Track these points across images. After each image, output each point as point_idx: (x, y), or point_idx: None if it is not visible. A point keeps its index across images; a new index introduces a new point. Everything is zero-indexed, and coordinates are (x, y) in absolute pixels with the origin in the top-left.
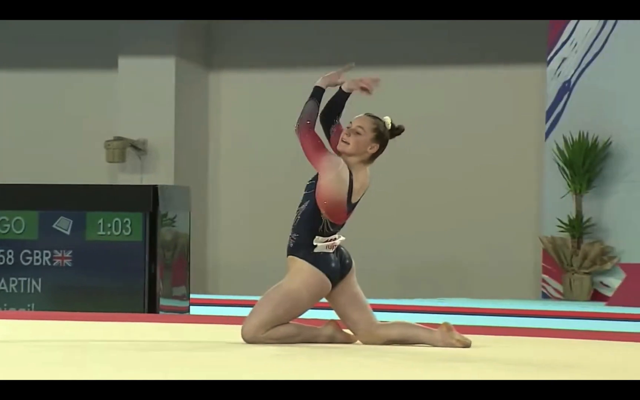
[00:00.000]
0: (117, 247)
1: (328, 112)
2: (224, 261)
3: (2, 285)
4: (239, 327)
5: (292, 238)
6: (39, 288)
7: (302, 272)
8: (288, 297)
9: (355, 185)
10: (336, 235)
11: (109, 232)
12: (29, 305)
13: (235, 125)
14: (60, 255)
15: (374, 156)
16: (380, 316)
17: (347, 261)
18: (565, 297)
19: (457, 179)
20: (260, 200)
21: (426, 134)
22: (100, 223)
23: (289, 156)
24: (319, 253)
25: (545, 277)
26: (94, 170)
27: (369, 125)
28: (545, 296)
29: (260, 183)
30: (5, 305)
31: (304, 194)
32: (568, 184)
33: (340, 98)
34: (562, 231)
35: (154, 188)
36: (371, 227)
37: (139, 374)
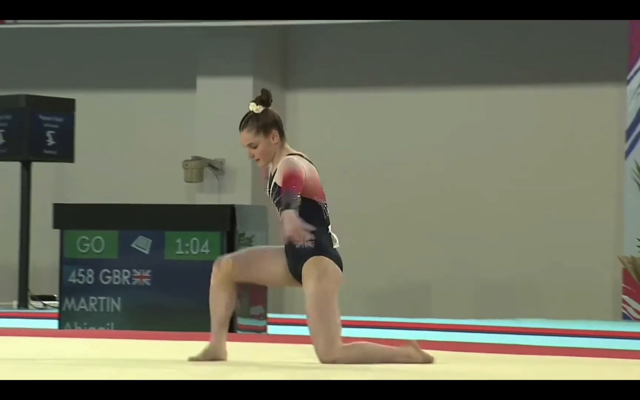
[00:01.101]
0: (195, 267)
1: None
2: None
3: (82, 305)
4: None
5: (306, 241)
6: (118, 307)
7: (327, 269)
8: (324, 298)
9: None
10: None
11: (187, 252)
12: (108, 324)
13: (312, 144)
14: (139, 274)
15: (281, 137)
16: (458, 336)
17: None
18: None
19: (535, 200)
20: (335, 218)
21: (505, 156)
22: (178, 242)
23: (364, 174)
24: (334, 247)
25: (626, 297)
26: (173, 190)
27: (252, 134)
28: (627, 317)
29: (336, 201)
30: (85, 324)
31: (280, 209)
32: None
33: None
34: None
35: (232, 208)
36: (449, 245)
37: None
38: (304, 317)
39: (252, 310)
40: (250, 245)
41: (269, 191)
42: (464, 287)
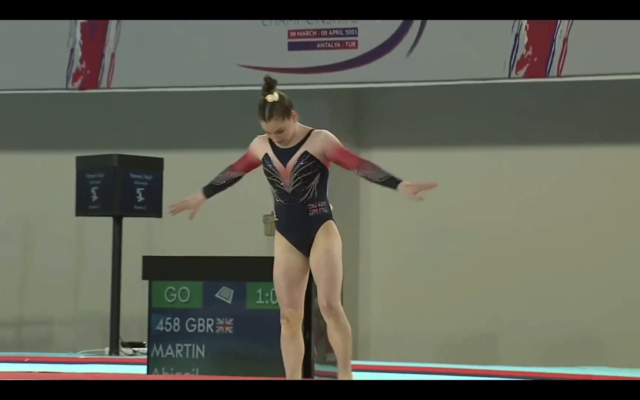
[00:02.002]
0: (274, 316)
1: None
2: (374, 328)
3: (169, 351)
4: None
5: (317, 207)
6: (202, 354)
7: (336, 234)
8: (339, 260)
9: None
10: None
11: (267, 301)
12: (193, 370)
13: (385, 198)
14: (222, 322)
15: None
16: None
17: None
18: None
19: (596, 255)
20: (410, 268)
21: (570, 213)
22: (259, 292)
23: (438, 226)
24: None
25: None
26: (254, 243)
27: (280, 120)
28: None
29: (410, 251)
30: (172, 369)
31: (304, 177)
32: None
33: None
34: None
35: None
36: (515, 295)
37: None
38: (376, 363)
39: (328, 357)
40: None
41: (295, 163)
42: (528, 335)
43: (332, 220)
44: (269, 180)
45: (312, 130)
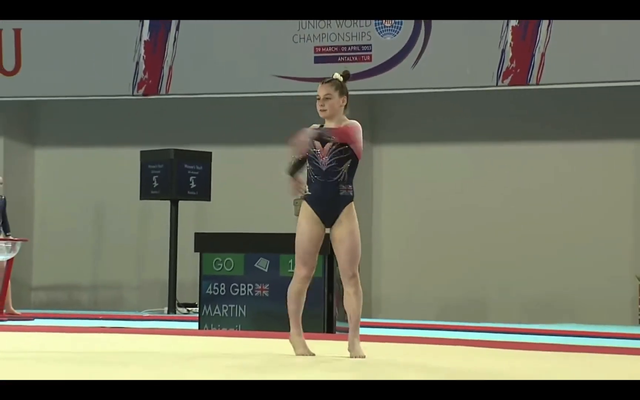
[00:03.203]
0: None
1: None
2: (384, 292)
3: (217, 311)
4: (398, 344)
5: (346, 188)
6: (244, 313)
7: (356, 215)
8: (359, 238)
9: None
10: None
11: None
12: (236, 326)
13: (394, 184)
14: (260, 287)
15: (345, 108)
16: (508, 337)
17: None
18: None
19: (571, 230)
20: (415, 243)
21: (544, 198)
22: (290, 263)
23: (438, 209)
24: None
25: None
26: (286, 222)
27: (332, 89)
28: None
29: (415, 229)
30: (219, 325)
31: (337, 160)
32: None
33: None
34: None
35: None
36: (502, 267)
37: (316, 375)
38: (388, 320)
39: (346, 316)
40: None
41: (330, 146)
42: (513, 298)
43: (353, 201)
44: (308, 157)
45: (350, 122)
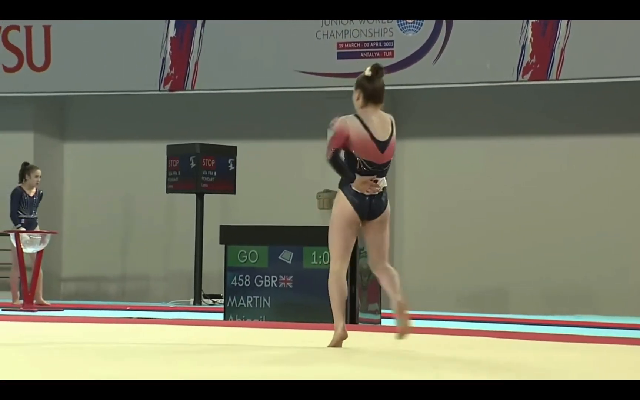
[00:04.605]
0: (326, 274)
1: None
2: (407, 283)
3: (241, 302)
4: (420, 335)
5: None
6: (268, 304)
7: (339, 200)
8: (332, 221)
9: (370, 126)
10: (377, 178)
11: (320, 262)
12: (261, 317)
13: (414, 180)
14: (284, 279)
15: (364, 100)
16: (528, 328)
17: (376, 209)
18: None
19: (591, 224)
20: (435, 235)
21: (573, 190)
22: (313, 255)
23: (457, 201)
24: (354, 190)
25: None
26: (309, 215)
27: (355, 84)
28: None
29: (434, 221)
30: (243, 316)
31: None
32: None
33: None
34: None
35: None
36: (521, 258)
37: (339, 370)
38: (409, 311)
39: (369, 307)
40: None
41: None
42: (534, 290)
43: (341, 189)
44: None
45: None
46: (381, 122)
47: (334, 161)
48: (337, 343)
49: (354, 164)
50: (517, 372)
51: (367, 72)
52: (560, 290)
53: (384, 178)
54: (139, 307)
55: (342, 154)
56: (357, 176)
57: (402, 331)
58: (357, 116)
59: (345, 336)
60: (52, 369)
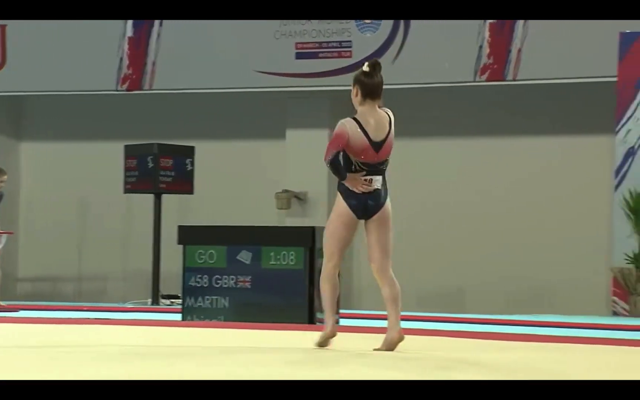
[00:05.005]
0: (284, 274)
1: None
2: (365, 283)
3: (200, 302)
4: (379, 335)
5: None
6: (227, 304)
7: (337, 202)
8: (329, 222)
9: (368, 129)
10: (371, 177)
11: (278, 262)
12: (219, 317)
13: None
14: (242, 279)
15: (362, 96)
16: (486, 327)
17: (372, 207)
18: (631, 314)
19: (549, 225)
20: (396, 235)
21: (524, 191)
22: (272, 255)
23: (418, 204)
24: (349, 189)
25: (615, 298)
26: (268, 215)
27: (352, 81)
28: (615, 313)
29: (397, 222)
30: (202, 317)
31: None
32: (633, 227)
33: None
34: (628, 263)
35: (312, 229)
36: (483, 259)
37: (300, 368)
38: (368, 312)
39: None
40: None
41: None
42: (492, 289)
43: (339, 191)
44: None
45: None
46: (379, 121)
47: (333, 164)
48: (324, 340)
49: (349, 165)
50: (488, 372)
51: (365, 68)
52: (519, 289)
53: (381, 177)
54: (96, 308)
55: (340, 156)
56: (349, 174)
57: (383, 348)
58: (355, 119)
59: (332, 335)
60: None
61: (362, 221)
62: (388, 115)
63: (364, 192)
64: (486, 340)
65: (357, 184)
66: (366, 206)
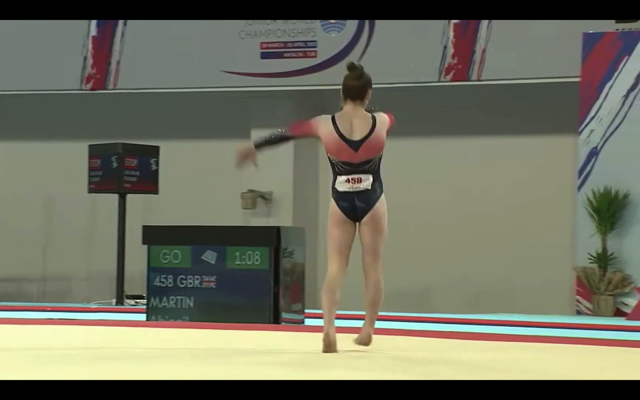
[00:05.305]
0: (249, 274)
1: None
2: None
3: (164, 302)
4: (343, 335)
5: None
6: (191, 304)
7: (330, 207)
8: (328, 228)
9: (341, 127)
10: (357, 176)
11: (244, 262)
12: (184, 317)
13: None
14: (207, 279)
15: (343, 96)
16: (450, 327)
17: (361, 208)
18: (594, 313)
19: (513, 225)
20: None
21: (488, 191)
22: (237, 255)
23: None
24: (338, 191)
25: (579, 297)
26: (233, 215)
27: None
28: (579, 313)
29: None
30: (166, 317)
31: None
32: (596, 226)
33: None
34: (591, 262)
35: (277, 229)
36: (446, 259)
37: (269, 369)
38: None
39: (293, 307)
40: (292, 258)
41: None
42: (456, 289)
43: (332, 198)
44: None
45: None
46: (358, 121)
47: (274, 133)
48: (325, 349)
49: (333, 167)
50: (470, 372)
51: (345, 70)
52: (483, 289)
53: (371, 177)
54: (60, 308)
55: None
56: (337, 177)
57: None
58: (333, 117)
59: (328, 341)
60: None
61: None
62: (374, 116)
63: (352, 191)
64: (456, 340)
65: (347, 185)
66: (355, 207)
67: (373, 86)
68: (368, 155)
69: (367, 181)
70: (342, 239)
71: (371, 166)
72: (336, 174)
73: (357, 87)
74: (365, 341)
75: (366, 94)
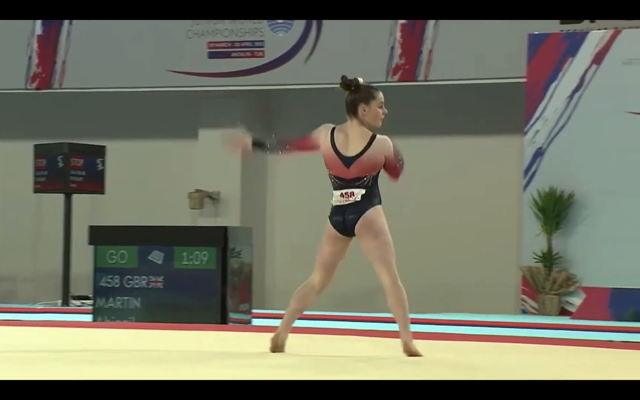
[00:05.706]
0: (197, 274)
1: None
2: (278, 283)
3: (111, 303)
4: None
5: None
6: (138, 305)
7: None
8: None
9: (337, 141)
10: (349, 191)
11: (191, 262)
12: (130, 318)
13: (287, 179)
14: (154, 279)
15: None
16: (389, 327)
17: (350, 223)
18: (539, 312)
19: (457, 222)
20: (306, 237)
21: (435, 191)
22: (184, 255)
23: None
24: (332, 205)
25: (524, 297)
26: (180, 215)
27: None
28: (524, 312)
29: (306, 224)
30: (113, 317)
31: None
32: (541, 226)
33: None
34: (537, 262)
35: (225, 229)
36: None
37: (212, 368)
38: (279, 311)
39: (240, 307)
40: (239, 258)
41: None
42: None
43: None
44: None
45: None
46: (355, 136)
47: (271, 142)
48: (272, 349)
49: (331, 182)
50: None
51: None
52: (428, 288)
53: (364, 190)
54: (5, 309)
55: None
56: (334, 192)
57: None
58: (333, 129)
59: (276, 342)
60: None
61: (355, 239)
62: (373, 136)
63: (345, 205)
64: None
65: (342, 198)
66: (345, 221)
67: (321, 86)
68: (360, 173)
69: (359, 195)
70: (329, 258)
71: (364, 182)
72: (333, 188)
73: (348, 102)
74: (406, 350)
75: (358, 109)
